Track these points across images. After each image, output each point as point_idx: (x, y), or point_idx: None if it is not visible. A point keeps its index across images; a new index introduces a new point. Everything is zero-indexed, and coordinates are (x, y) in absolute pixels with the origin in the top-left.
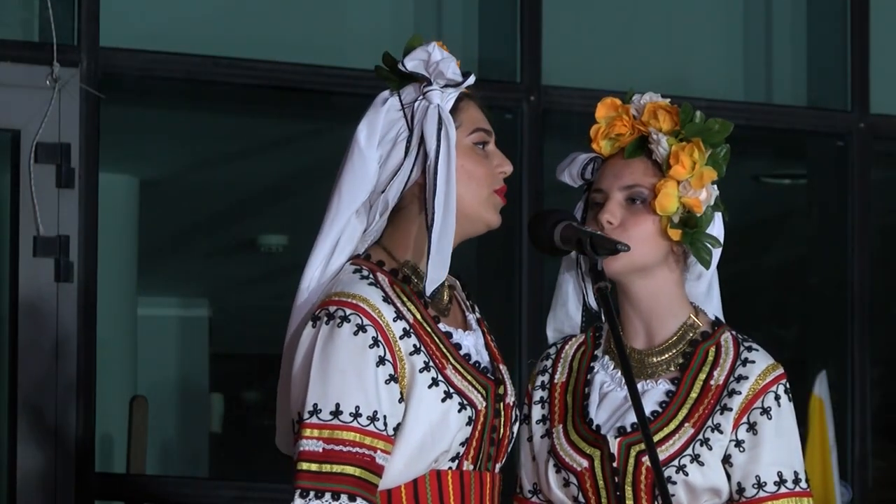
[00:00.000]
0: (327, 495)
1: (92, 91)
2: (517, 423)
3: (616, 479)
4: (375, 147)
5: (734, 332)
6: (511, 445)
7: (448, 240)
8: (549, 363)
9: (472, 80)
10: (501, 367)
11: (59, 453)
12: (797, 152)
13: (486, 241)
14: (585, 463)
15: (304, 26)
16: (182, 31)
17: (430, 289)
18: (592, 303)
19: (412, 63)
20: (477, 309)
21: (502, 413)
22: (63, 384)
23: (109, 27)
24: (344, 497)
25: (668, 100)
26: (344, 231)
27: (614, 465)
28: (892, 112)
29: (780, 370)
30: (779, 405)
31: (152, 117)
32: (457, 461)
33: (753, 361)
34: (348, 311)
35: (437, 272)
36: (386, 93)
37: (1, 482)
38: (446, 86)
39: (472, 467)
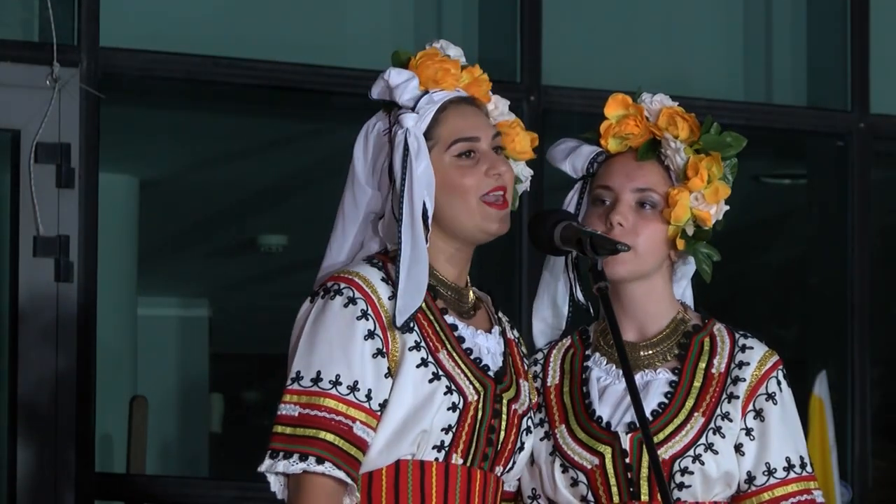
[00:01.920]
0: (295, 456)
1: (92, 91)
2: (528, 434)
3: (629, 475)
4: (371, 174)
5: (724, 324)
6: (520, 454)
7: (421, 268)
8: (538, 368)
9: (424, 101)
10: (521, 381)
11: (59, 453)
12: (797, 152)
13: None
14: (596, 460)
15: (304, 26)
16: (182, 31)
17: (400, 319)
18: (580, 296)
19: (377, 91)
20: (509, 327)
21: (504, 416)
22: (63, 384)
23: (109, 27)
24: (312, 459)
25: (677, 102)
26: (363, 248)
27: (627, 460)
28: (892, 112)
29: (777, 356)
30: (781, 390)
31: (152, 117)
32: (443, 452)
33: (752, 348)
34: (342, 285)
35: (409, 300)
36: (379, 114)
37: (1, 482)
38: (413, 108)
39: (461, 462)
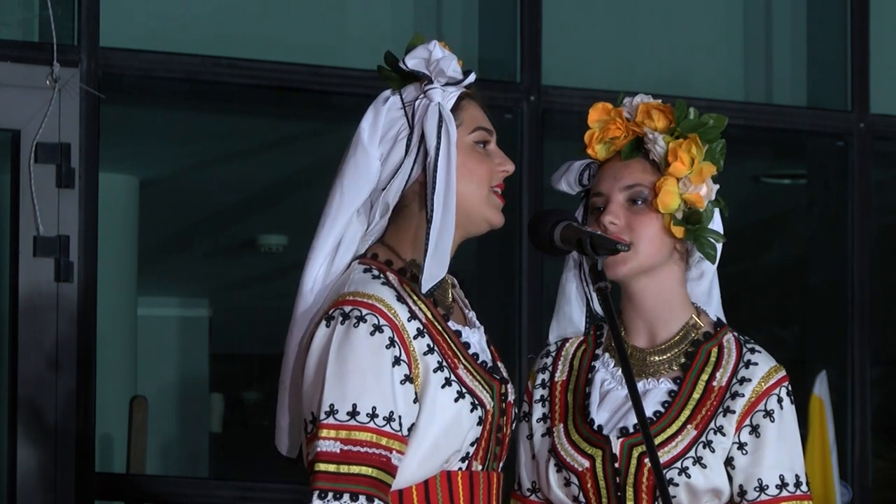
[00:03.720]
0: (346, 496)
1: (92, 91)
2: (516, 422)
3: (617, 480)
4: (377, 145)
5: (736, 334)
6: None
7: (447, 237)
8: (549, 361)
9: (472, 77)
10: (500, 364)
11: (59, 453)
12: (797, 152)
13: (486, 241)
14: (587, 463)
15: (304, 26)
16: (182, 31)
17: (426, 286)
18: (598, 308)
19: (413, 61)
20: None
21: (505, 412)
22: (63, 384)
23: (109, 27)
24: (362, 498)
25: (661, 99)
26: (347, 231)
27: (616, 465)
28: (892, 112)
29: (783, 372)
30: (781, 408)
31: (152, 117)
32: (466, 461)
33: (756, 363)
34: (364, 311)
35: (435, 269)
36: (387, 92)
37: (1, 482)
38: (447, 84)
39: (480, 467)
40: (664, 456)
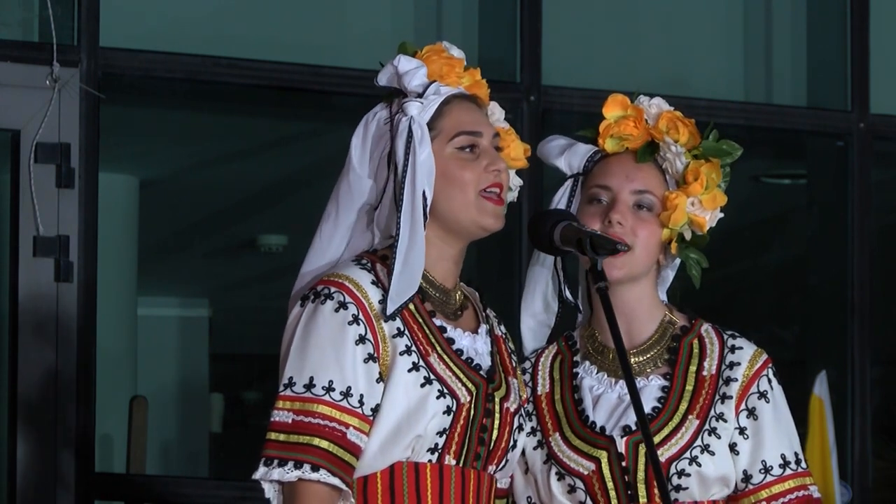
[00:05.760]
0: (290, 464)
1: (92, 91)
2: (520, 432)
3: (626, 479)
4: (367, 164)
5: (711, 324)
6: (512, 452)
7: (416, 257)
8: (527, 377)
9: (434, 89)
10: (511, 378)
11: (59, 453)
12: (797, 152)
13: (485, 240)
14: (592, 466)
15: (304, 26)
16: (182, 31)
17: (391, 306)
18: (569, 295)
19: (384, 77)
20: (497, 325)
21: (496, 415)
22: (63, 384)
23: (109, 27)
24: (307, 466)
25: (673, 107)
26: (351, 241)
27: (623, 464)
28: (892, 112)
29: (766, 355)
30: (772, 388)
31: (152, 117)
32: (437, 454)
33: (741, 348)
34: (332, 290)
35: (403, 287)
36: (380, 105)
37: (1, 482)
38: (420, 96)
39: (454, 462)
40: (672, 448)
